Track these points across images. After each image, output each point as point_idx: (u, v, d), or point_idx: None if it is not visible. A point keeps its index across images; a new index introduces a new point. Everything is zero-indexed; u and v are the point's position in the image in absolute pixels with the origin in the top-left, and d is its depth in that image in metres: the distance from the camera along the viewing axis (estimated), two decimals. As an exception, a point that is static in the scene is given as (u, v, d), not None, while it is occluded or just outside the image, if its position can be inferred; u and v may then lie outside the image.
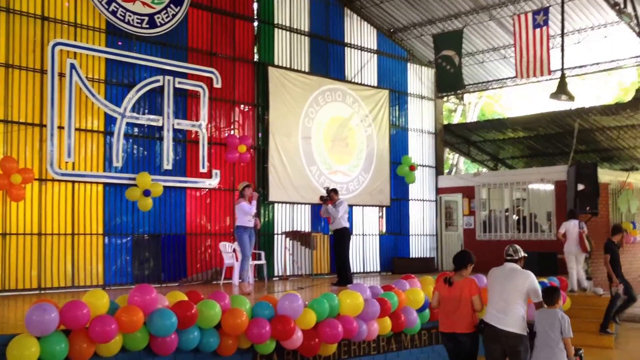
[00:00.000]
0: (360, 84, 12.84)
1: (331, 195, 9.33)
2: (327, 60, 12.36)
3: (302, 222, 11.67)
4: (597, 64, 12.94)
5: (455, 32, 12.73)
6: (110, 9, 9.26)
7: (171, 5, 9.92)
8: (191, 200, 10.12)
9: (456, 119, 21.73)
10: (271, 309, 5.70)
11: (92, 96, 9.03)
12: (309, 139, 11.79)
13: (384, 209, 13.15)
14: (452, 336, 4.98)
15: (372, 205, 12.86)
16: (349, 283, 8.78)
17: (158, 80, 9.70)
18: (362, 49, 13.04)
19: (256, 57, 11.28)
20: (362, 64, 13.02)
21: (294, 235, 11.23)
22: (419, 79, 14.24)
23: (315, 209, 11.24)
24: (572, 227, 9.42)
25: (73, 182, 8.86)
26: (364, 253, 12.68)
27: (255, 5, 11.34)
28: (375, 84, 13.19)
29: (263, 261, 10.11)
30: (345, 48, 12.73)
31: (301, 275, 11.11)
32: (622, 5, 10.54)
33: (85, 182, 8.97)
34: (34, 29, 8.65)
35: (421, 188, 13.97)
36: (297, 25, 11.91)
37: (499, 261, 5.62)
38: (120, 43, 9.44)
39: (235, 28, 10.90)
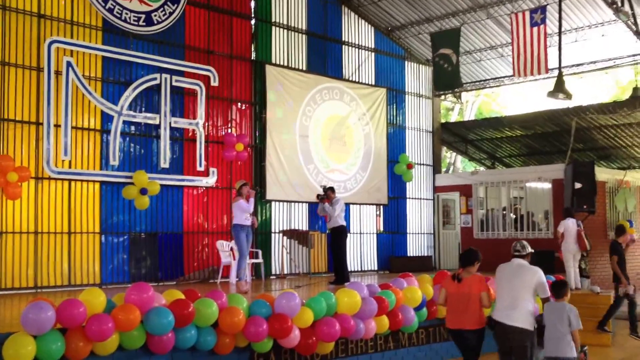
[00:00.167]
0: (358, 82, 12.83)
1: (328, 193, 9.33)
2: (325, 58, 12.35)
3: (300, 220, 11.66)
4: (595, 62, 12.96)
5: (452, 31, 12.73)
6: (107, 7, 9.22)
7: (168, 3, 9.88)
8: (188, 199, 10.10)
9: (453, 118, 21.75)
10: (268, 307, 5.69)
11: (88, 94, 9.00)
12: (307, 138, 11.78)
13: (382, 207, 13.15)
14: (459, 332, 5.04)
15: (370, 204, 12.85)
16: (346, 281, 8.77)
17: (155, 79, 9.67)
18: (359, 47, 13.02)
19: (253, 55, 11.25)
20: (359, 62, 13.01)
21: (291, 233, 11.22)
22: (417, 78, 14.24)
23: (313, 207, 11.23)
24: (570, 225, 9.44)
25: (69, 180, 8.83)
26: (362, 251, 12.68)
27: (252, 4, 11.31)
28: (373, 83, 13.18)
29: (260, 260, 10.10)
30: (343, 46, 12.72)
31: (298, 274, 11.11)
32: (619, 4, 10.55)
33: (81, 181, 8.94)
34: (30, 27, 8.61)
35: (418, 186, 13.98)
36: (294, 24, 11.88)
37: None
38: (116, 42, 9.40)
39: (233, 26, 10.88)
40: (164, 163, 9.69)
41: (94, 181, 9.05)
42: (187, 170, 10.04)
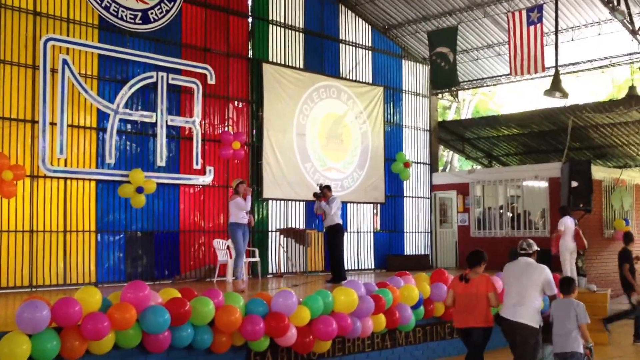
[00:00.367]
0: (355, 81, 12.82)
1: (324, 192, 9.31)
2: (322, 56, 12.33)
3: (297, 219, 11.64)
4: (591, 61, 12.99)
5: (449, 29, 12.74)
6: (103, 5, 9.18)
7: (165, 0, 9.84)
8: (185, 197, 10.07)
9: (450, 116, 21.75)
10: (265, 305, 5.67)
11: (84, 92, 8.96)
12: (304, 136, 11.76)
13: (379, 206, 13.15)
14: (467, 331, 5.12)
15: (367, 202, 12.85)
16: (342, 280, 8.77)
17: (151, 77, 9.63)
18: (356, 45, 13.01)
19: (250, 53, 11.23)
20: (356, 61, 13.00)
21: (288, 232, 11.20)
22: (414, 76, 14.23)
23: (310, 206, 11.22)
24: (570, 223, 9.49)
25: (65, 178, 8.79)
26: (359, 250, 12.67)
27: (249, 2, 11.28)
28: (370, 81, 13.17)
29: (257, 258, 10.08)
30: (340, 45, 12.70)
31: (295, 273, 11.09)
32: (615, 3, 10.57)
33: (77, 179, 8.90)
34: (26, 24, 8.57)
35: (416, 185, 13.98)
36: (291, 22, 11.86)
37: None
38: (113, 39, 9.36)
39: (230, 24, 10.85)
40: (161, 161, 9.66)
41: (89, 179, 9.01)
42: (184, 168, 10.01)
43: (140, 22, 9.59)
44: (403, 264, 12.10)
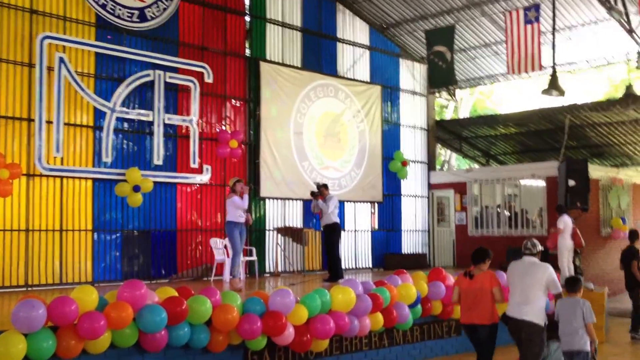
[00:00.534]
0: (353, 80, 12.80)
1: (321, 190, 9.29)
2: (320, 55, 12.31)
3: (294, 218, 11.62)
4: (588, 60, 13.01)
5: (447, 28, 12.73)
6: (100, 3, 9.14)
7: (161, -2, 9.81)
8: (182, 196, 10.04)
9: (448, 115, 21.76)
10: (262, 304, 5.66)
11: (81, 90, 8.92)
12: (301, 135, 11.74)
13: (376, 204, 13.14)
14: (472, 327, 5.18)
15: (364, 201, 12.84)
16: (340, 278, 8.76)
17: (148, 75, 9.59)
18: (354, 44, 12.99)
19: (248, 52, 11.20)
20: (354, 60, 12.98)
21: (285, 231, 11.19)
22: (411, 75, 14.23)
23: (307, 204, 11.20)
24: (569, 221, 9.51)
25: (61, 177, 8.75)
26: (356, 249, 12.66)
27: (247, 0, 11.25)
28: (368, 80, 13.15)
29: (254, 257, 10.06)
30: (338, 43, 12.68)
31: (293, 272, 11.07)
32: (612, 2, 10.59)
33: (74, 178, 8.86)
34: (22, 22, 8.52)
35: (413, 184, 13.97)
36: (289, 20, 11.83)
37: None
38: (110, 37, 9.32)
39: (227, 22, 10.82)
40: (157, 160, 9.63)
41: (86, 178, 8.97)
42: (181, 167, 9.98)
43: (138, 20, 9.55)
44: (401, 263, 12.07)
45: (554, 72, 11.07)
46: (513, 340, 5.09)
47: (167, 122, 9.77)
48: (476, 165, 17.50)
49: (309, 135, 11.89)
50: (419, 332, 7.20)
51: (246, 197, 8.47)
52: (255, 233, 10.89)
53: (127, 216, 9.35)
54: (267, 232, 11.14)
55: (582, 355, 4.94)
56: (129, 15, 9.46)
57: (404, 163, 13.29)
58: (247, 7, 11.25)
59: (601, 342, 7.94)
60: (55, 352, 4.60)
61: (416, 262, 12.90)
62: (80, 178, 8.92)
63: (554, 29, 11.04)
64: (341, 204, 11.76)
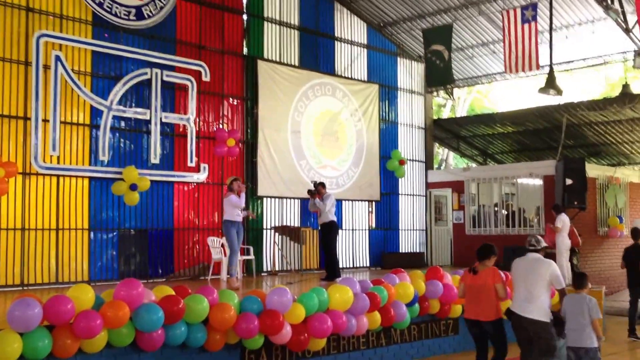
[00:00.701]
0: (350, 78, 12.79)
1: (318, 188, 9.27)
2: (317, 54, 12.29)
3: (292, 216, 11.61)
4: (585, 59, 13.01)
5: (444, 27, 12.73)
6: (97, 1, 9.10)
7: (158, -3, 9.78)
8: (179, 195, 10.01)
9: (445, 114, 21.78)
10: (260, 303, 5.65)
11: (77, 89, 8.88)
12: (299, 133, 11.73)
13: (374, 203, 13.13)
14: (476, 323, 5.25)
15: (362, 200, 12.83)
16: (337, 277, 8.75)
17: (145, 73, 9.56)
18: (352, 43, 12.98)
19: (245, 50, 11.17)
20: (352, 58, 12.97)
21: (283, 230, 11.17)
22: (409, 74, 14.22)
23: (305, 203, 11.18)
24: (567, 220, 9.53)
25: (58, 176, 8.71)
26: (354, 248, 12.65)
27: (244, -2, 11.24)
28: (365, 79, 13.14)
29: (252, 256, 10.04)
30: (335, 42, 12.67)
31: (290, 271, 11.06)
32: (609, 2, 10.60)
33: (70, 176, 8.82)
34: (18, 20, 8.48)
35: (411, 183, 13.97)
36: (286, 19, 11.81)
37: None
38: (107, 35, 9.29)
39: (224, 21, 10.79)
40: (154, 159, 9.60)
41: (82, 177, 8.94)
42: (178, 166, 9.95)
43: (135, 18, 9.52)
44: (398, 262, 12.07)
45: (551, 71, 11.07)
46: (514, 336, 5.14)
47: (164, 120, 9.74)
48: (474, 164, 17.52)
49: (306, 133, 11.87)
50: (416, 331, 7.20)
51: (243, 195, 8.45)
52: (252, 232, 10.87)
53: (124, 215, 9.32)
54: (264, 231, 11.12)
55: (591, 353, 5.00)
56: (126, 13, 9.42)
57: (402, 162, 13.29)
58: (244, 5, 11.22)
59: (599, 340, 7.97)
60: (51, 352, 4.58)
61: (414, 261, 12.90)
62: (76, 177, 8.88)
63: (551, 28, 11.04)
64: (339, 202, 11.75)
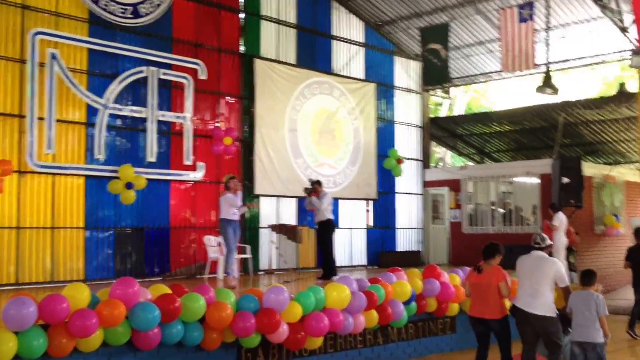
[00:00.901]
0: (347, 77, 12.78)
1: (315, 187, 9.25)
2: (314, 52, 12.27)
3: (289, 215, 11.59)
4: (581, 58, 13.02)
5: (441, 26, 12.73)
6: (92, -2, 9.07)
7: (155, -6, 9.74)
8: (175, 193, 9.98)
9: (443, 113, 21.78)
10: (256, 302, 5.63)
11: (73, 87, 8.84)
12: (296, 132, 11.70)
13: (371, 202, 13.12)
14: (482, 321, 5.31)
15: (359, 199, 12.82)
16: (333, 275, 8.73)
17: (142, 71, 9.52)
18: (349, 41, 12.96)
19: (242, 48, 11.14)
20: (349, 57, 12.95)
21: (280, 228, 11.13)
22: (406, 72, 14.21)
23: (302, 202, 11.15)
24: (564, 219, 9.56)
25: (53, 174, 8.67)
26: (351, 247, 12.64)
27: (240, -4, 11.21)
28: (363, 77, 13.13)
29: (248, 255, 10.02)
30: (332, 41, 12.65)
31: (287, 269, 11.04)
32: (605, 1, 10.62)
33: (65, 175, 8.79)
34: (14, 18, 8.43)
35: (408, 181, 13.97)
36: (283, 17, 11.78)
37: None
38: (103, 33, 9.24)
39: (221, 19, 10.76)
40: (151, 157, 9.56)
41: (78, 175, 8.90)
42: (174, 164, 9.92)
43: (131, 16, 9.48)
44: (395, 261, 12.05)
45: (548, 70, 11.10)
46: (518, 329, 5.20)
47: (160, 118, 9.71)
48: (471, 163, 17.53)
49: (303, 132, 11.85)
50: (413, 329, 7.19)
51: (239, 194, 8.42)
52: (249, 230, 10.85)
53: (120, 213, 9.29)
54: (261, 230, 11.10)
55: (598, 347, 5.07)
56: (122, 11, 9.38)
57: (399, 160, 13.28)
58: (241, 3, 11.18)
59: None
60: (46, 351, 4.55)
61: (411, 259, 12.89)
62: (72, 175, 8.84)
63: (547, 27, 11.06)
64: (336, 201, 11.73)
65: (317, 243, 10.44)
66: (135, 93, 9.50)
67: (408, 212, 13.93)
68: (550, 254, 5.42)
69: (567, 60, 13.09)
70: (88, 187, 8.99)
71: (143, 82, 9.55)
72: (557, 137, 12.95)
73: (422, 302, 7.15)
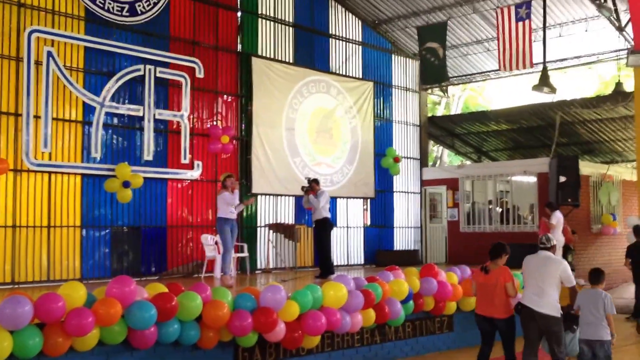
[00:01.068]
0: (345, 76, 12.76)
1: (312, 185, 9.25)
2: (312, 51, 12.25)
3: (286, 214, 11.58)
4: (578, 57, 13.04)
5: (439, 25, 12.72)
6: (88, -4, 9.03)
7: (151, -8, 9.70)
8: (172, 192, 9.96)
9: (440, 112, 21.80)
10: (253, 300, 5.62)
11: (70, 85, 8.80)
12: (293, 130, 11.69)
13: (369, 201, 13.13)
14: (488, 319, 5.38)
15: (357, 198, 12.82)
16: (330, 274, 8.73)
17: (139, 70, 9.49)
18: (346, 40, 12.95)
19: (239, 47, 11.11)
20: (346, 56, 12.94)
21: (277, 227, 11.14)
22: (404, 71, 14.20)
23: (299, 200, 11.15)
24: (561, 218, 9.58)
25: (50, 173, 8.64)
26: (348, 245, 12.64)
27: (238, -5, 11.18)
28: (360, 76, 13.12)
29: (246, 254, 10.01)
30: (330, 39, 12.63)
31: (284, 268, 11.04)
32: (602, 0, 10.63)
33: (62, 173, 8.75)
34: (10, 16, 8.39)
35: (405, 180, 13.97)
36: (281, 16, 11.76)
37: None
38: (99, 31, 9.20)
39: (219, 17, 10.73)
40: (148, 155, 9.54)
41: (74, 174, 8.86)
42: (172, 163, 9.89)
43: (128, 14, 9.44)
44: (393, 260, 12.05)
45: (545, 69, 11.10)
46: (522, 326, 5.28)
47: (157, 117, 9.68)
48: (468, 162, 17.54)
49: (301, 131, 11.83)
50: (411, 328, 7.19)
51: (236, 192, 8.41)
52: (246, 229, 10.83)
53: (117, 212, 9.26)
54: (258, 229, 11.08)
55: (605, 345, 5.15)
56: (119, 9, 9.34)
57: (396, 159, 13.28)
58: (238, 2, 11.16)
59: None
60: (42, 350, 4.53)
61: (408, 258, 12.88)
62: (68, 174, 8.81)
63: (544, 25, 11.06)
64: (333, 200, 11.72)
65: (314, 242, 10.43)
66: (132, 91, 9.47)
67: (406, 211, 13.93)
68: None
69: (564, 59, 13.12)
70: (84, 186, 8.96)
71: (140, 80, 9.51)
72: (555, 136, 12.96)
73: (420, 300, 7.15)
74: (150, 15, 9.69)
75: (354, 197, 12.75)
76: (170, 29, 10.03)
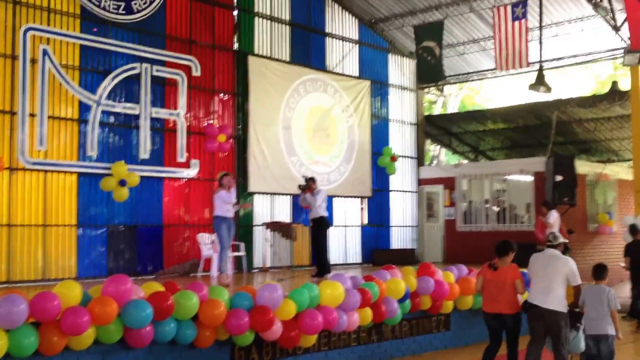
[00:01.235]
0: (342, 75, 12.75)
1: (309, 184, 9.23)
2: (308, 50, 12.23)
3: (283, 213, 11.56)
4: (574, 56, 13.07)
5: (436, 24, 12.73)
6: (84, -6, 8.98)
7: (148, -10, 9.66)
8: (169, 191, 9.93)
9: (437, 111, 21.82)
10: (250, 299, 5.60)
11: (65, 83, 8.77)
12: (290, 129, 11.67)
13: (366, 200, 13.12)
14: (497, 316, 5.43)
15: (354, 197, 12.81)
16: (327, 273, 8.72)
17: (135, 68, 9.46)
18: (343, 39, 12.94)
19: (236, 45, 11.09)
20: (343, 54, 12.93)
21: (274, 226, 11.12)
22: (400, 70, 14.21)
23: (296, 199, 11.13)
24: (557, 216, 9.60)
25: (45, 171, 8.60)
26: (346, 244, 12.64)
27: (234, -7, 11.15)
28: (357, 75, 13.11)
29: (242, 253, 9.99)
30: (327, 38, 12.62)
31: (281, 267, 11.02)
32: (598, 0, 10.65)
33: (58, 172, 8.71)
34: (5, 14, 8.35)
35: (402, 179, 13.98)
36: (277, 14, 11.74)
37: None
38: (95, 30, 9.16)
39: (215, 16, 10.70)
40: (144, 154, 9.51)
41: (70, 172, 8.83)
42: (168, 161, 9.87)
43: (124, 12, 9.40)
44: (389, 259, 12.04)
45: (541, 68, 11.12)
46: (528, 324, 5.35)
47: (154, 115, 9.65)
48: (465, 161, 17.56)
49: (297, 129, 11.82)
50: (407, 327, 7.19)
51: (233, 190, 8.38)
52: (243, 228, 10.81)
53: (113, 211, 9.23)
54: (255, 227, 11.07)
55: (610, 339, 5.21)
56: (115, 7, 9.30)
57: (393, 158, 13.28)
58: (235, 0, 11.13)
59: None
60: (38, 349, 4.50)
61: (405, 257, 12.88)
62: (64, 172, 8.77)
63: (541, 25, 11.08)
64: (330, 199, 11.70)
65: (311, 240, 10.42)
66: (128, 90, 9.43)
67: (402, 210, 13.93)
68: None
69: (560, 59, 13.14)
70: (80, 184, 8.93)
71: (136, 78, 9.48)
72: (551, 135, 12.99)
73: (417, 299, 7.14)
74: (147, 14, 9.65)
75: (350, 196, 12.75)
76: (167, 27, 10.00)
